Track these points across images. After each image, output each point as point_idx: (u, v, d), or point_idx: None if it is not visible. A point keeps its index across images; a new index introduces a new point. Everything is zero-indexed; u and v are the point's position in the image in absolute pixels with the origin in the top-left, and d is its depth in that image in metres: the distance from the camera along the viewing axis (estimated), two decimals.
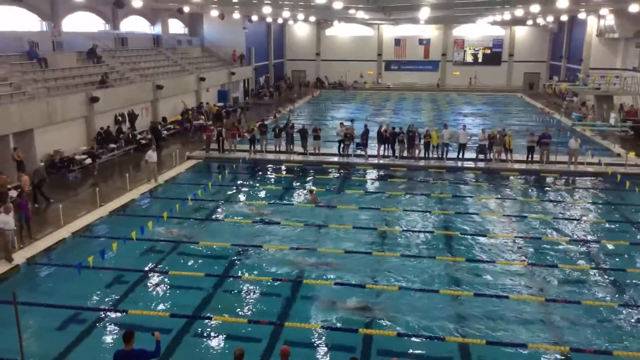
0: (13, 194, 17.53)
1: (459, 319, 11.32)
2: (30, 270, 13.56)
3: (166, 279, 13.08)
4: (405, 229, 16.52)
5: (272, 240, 15.42)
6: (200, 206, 18.41)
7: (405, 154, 24.65)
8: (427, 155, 24.59)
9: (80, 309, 11.43)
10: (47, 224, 16.16)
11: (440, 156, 24.71)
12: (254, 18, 42.70)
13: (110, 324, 11.03)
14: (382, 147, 24.91)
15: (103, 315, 11.35)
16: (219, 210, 18.26)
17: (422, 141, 24.41)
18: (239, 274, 13.25)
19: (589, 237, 16.07)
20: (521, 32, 55.98)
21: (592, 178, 22.53)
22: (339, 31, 58.82)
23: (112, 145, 24.90)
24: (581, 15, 41.10)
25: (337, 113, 39.93)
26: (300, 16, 49.10)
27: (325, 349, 10.26)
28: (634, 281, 13.17)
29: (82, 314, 11.32)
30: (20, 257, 13.79)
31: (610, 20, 38.85)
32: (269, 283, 12.77)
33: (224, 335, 10.66)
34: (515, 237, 15.93)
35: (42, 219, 16.67)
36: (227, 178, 22.33)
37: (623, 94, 33.87)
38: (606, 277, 13.42)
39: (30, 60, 23.95)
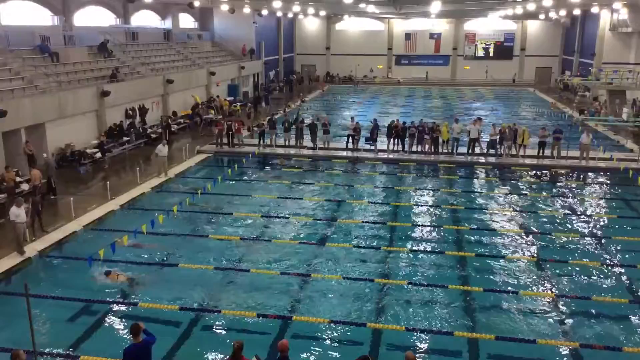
0: (25, 187, 17.72)
1: (467, 314, 11.31)
2: (42, 262, 13.69)
3: (176, 272, 13.14)
4: (415, 224, 16.54)
5: (282, 233, 15.51)
6: (210, 200, 18.47)
7: (415, 148, 24.56)
8: (437, 150, 24.47)
9: (91, 302, 11.53)
10: (59, 217, 16.30)
11: (450, 151, 24.59)
12: (264, 12, 42.65)
13: (120, 316, 11.12)
14: (391, 142, 24.84)
15: (113, 307, 11.44)
16: (228, 204, 18.30)
17: (433, 135, 24.20)
18: (248, 268, 13.28)
19: (600, 233, 15.95)
20: (533, 26, 55.51)
21: (604, 173, 22.35)
22: (349, 25, 58.64)
23: (125, 139, 25.07)
24: (594, 9, 40.59)
25: (346, 108, 39.88)
26: (311, 10, 48.99)
27: (334, 342, 10.27)
28: None
29: (92, 306, 11.42)
30: (31, 249, 13.93)
31: (623, 14, 38.34)
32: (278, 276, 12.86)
33: (233, 328, 10.70)
34: (526, 232, 15.85)
35: (53, 211, 16.81)
36: (236, 172, 22.36)
37: (636, 88, 33.46)
38: (617, 273, 13.31)
39: (42, 55, 24.11)
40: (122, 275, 12.69)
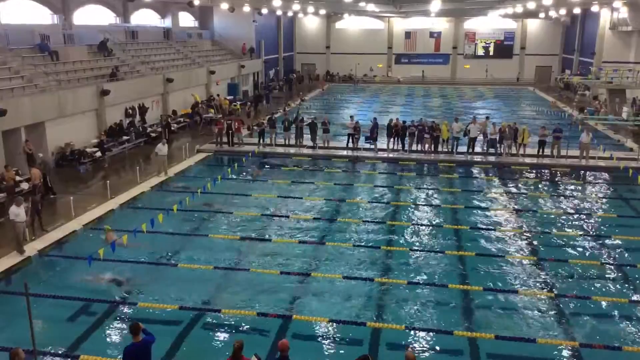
0: (25, 186, 17.71)
1: (467, 313, 11.32)
2: (42, 261, 13.68)
3: (175, 272, 13.14)
4: (415, 222, 16.53)
5: (282, 232, 15.52)
6: (210, 199, 18.47)
7: (414, 147, 24.55)
8: (436, 149, 24.44)
9: (91, 301, 11.53)
10: (58, 216, 16.30)
11: (450, 150, 24.58)
12: (264, 11, 42.65)
13: (120, 316, 11.13)
14: (391, 141, 24.83)
15: (113, 307, 11.44)
16: (228, 203, 18.29)
17: (434, 134, 24.18)
18: (248, 267, 13.28)
19: (600, 232, 15.94)
20: (533, 25, 55.50)
21: (604, 172, 22.33)
22: (349, 24, 58.59)
23: (125, 138, 25.06)
24: (594, 8, 40.61)
25: (346, 107, 39.89)
26: (310, 9, 48.97)
27: (333, 342, 10.28)
28: None
29: (92, 306, 11.42)
30: (31, 248, 13.93)
31: (623, 12, 38.34)
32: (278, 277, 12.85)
33: (233, 328, 10.71)
34: (525, 231, 15.85)
35: (53, 210, 16.81)
36: (236, 171, 22.34)
37: (636, 87, 33.45)
38: (617, 272, 13.32)
39: (41, 53, 24.10)
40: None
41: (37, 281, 12.40)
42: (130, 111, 27.22)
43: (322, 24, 58.95)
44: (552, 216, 17.16)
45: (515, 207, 18.15)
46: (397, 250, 14.39)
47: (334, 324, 10.70)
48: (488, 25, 56.21)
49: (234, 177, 21.51)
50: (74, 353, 9.76)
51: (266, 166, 23.59)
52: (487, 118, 26.44)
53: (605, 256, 14.26)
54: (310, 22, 59.07)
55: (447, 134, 24.32)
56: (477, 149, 24.61)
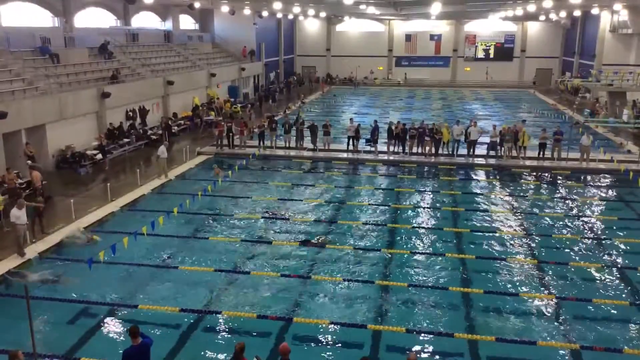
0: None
1: (468, 316, 11.30)
2: (42, 264, 13.65)
3: (176, 274, 13.13)
4: (415, 225, 16.52)
5: (282, 235, 15.52)
6: (210, 202, 18.46)
7: (415, 150, 24.54)
8: (437, 152, 24.43)
9: (91, 304, 11.52)
10: (59, 219, 16.28)
11: (450, 152, 24.57)
12: (265, 14, 42.71)
13: (120, 319, 11.11)
14: (392, 143, 24.82)
15: (114, 309, 11.43)
16: (228, 206, 18.29)
17: (435, 136, 24.16)
18: (249, 270, 13.28)
19: (601, 235, 15.93)
20: (533, 28, 55.53)
21: (605, 175, 22.31)
22: (350, 27, 58.64)
23: (125, 140, 25.07)
24: (594, 11, 40.67)
25: (346, 109, 39.90)
26: (311, 12, 49.01)
27: (334, 344, 10.26)
28: None
29: (92, 309, 11.41)
30: (32, 251, 13.93)
31: (623, 15, 38.38)
32: (277, 278, 12.84)
33: (233, 330, 10.70)
34: (526, 234, 15.83)
35: (53, 213, 16.79)
36: (237, 174, 22.33)
37: (636, 90, 33.43)
38: (618, 275, 13.29)
39: (42, 56, 24.14)
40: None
41: (37, 284, 12.37)
42: (130, 114, 27.24)
43: (322, 27, 59.01)
44: (553, 219, 17.14)
45: (516, 209, 18.12)
46: (397, 253, 14.38)
47: (335, 326, 10.69)
48: (488, 27, 56.22)
49: (235, 179, 21.48)
50: (73, 356, 9.74)
51: (266, 169, 23.57)
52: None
53: (606, 259, 14.23)
54: (311, 25, 59.13)
55: (448, 137, 24.31)
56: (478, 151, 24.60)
